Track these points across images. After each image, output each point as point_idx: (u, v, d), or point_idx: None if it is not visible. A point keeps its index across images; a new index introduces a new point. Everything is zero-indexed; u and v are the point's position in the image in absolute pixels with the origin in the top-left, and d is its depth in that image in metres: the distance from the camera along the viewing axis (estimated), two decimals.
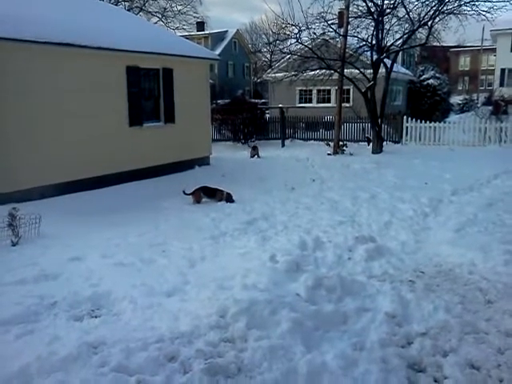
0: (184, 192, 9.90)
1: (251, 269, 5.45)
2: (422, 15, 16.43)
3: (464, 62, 63.14)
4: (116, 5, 31.69)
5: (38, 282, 5.49)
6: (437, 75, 28.53)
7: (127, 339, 3.93)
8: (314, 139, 21.02)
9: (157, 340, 3.92)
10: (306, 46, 17.21)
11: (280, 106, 21.66)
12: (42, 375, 3.47)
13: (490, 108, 28.54)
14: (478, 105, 35.69)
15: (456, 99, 37.21)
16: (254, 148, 17.41)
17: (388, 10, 17.03)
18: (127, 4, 34.70)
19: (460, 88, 56.92)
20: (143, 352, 3.73)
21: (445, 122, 19.96)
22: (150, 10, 35.67)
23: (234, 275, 5.30)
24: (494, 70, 37.89)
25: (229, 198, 9.90)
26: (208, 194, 10.03)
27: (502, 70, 35.25)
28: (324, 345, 3.94)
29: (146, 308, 4.71)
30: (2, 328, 4.30)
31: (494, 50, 39.80)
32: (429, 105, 27.41)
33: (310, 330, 4.11)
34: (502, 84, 34.67)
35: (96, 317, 4.63)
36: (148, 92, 12.90)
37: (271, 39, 25.49)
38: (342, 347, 3.91)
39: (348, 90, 23.21)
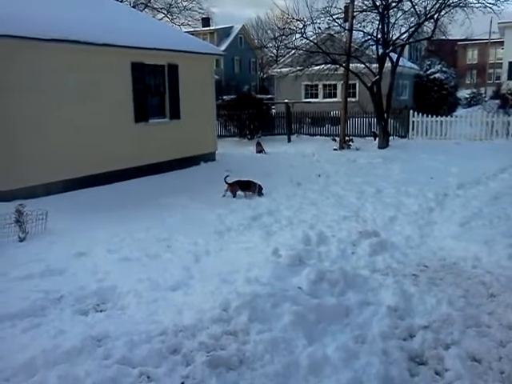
0: (225, 180, 10.09)
1: (254, 263, 5.49)
2: (427, 8, 16.33)
3: (472, 56, 62.65)
4: (121, 2, 31.76)
5: (44, 277, 5.55)
6: (444, 69, 28.23)
7: (131, 332, 3.98)
8: (320, 134, 20.95)
9: (160, 333, 3.97)
10: (310, 40, 17.17)
11: (286, 101, 21.61)
12: (46, 367, 3.52)
13: (498, 102, 28.28)
14: (486, 98, 35.35)
15: (464, 93, 36.82)
16: (259, 143, 17.39)
17: (393, 4, 16.95)
18: (132, 0, 34.70)
19: (468, 82, 56.46)
20: (146, 344, 3.78)
21: (452, 116, 19.81)
22: (155, 6, 35.61)
23: (237, 269, 5.33)
24: (502, 63, 37.43)
25: (260, 190, 10.09)
26: (243, 187, 10.19)
27: (510, 64, 34.73)
28: (326, 338, 3.97)
29: (150, 302, 4.75)
30: (9, 322, 4.37)
31: (502, 43, 39.27)
32: (435, 99, 27.15)
33: (311, 323, 4.14)
34: (510, 77, 34.10)
35: (101, 311, 4.69)
36: (153, 88, 12.93)
37: (277, 34, 25.55)
38: (343, 340, 3.93)
39: (354, 85, 23.08)
